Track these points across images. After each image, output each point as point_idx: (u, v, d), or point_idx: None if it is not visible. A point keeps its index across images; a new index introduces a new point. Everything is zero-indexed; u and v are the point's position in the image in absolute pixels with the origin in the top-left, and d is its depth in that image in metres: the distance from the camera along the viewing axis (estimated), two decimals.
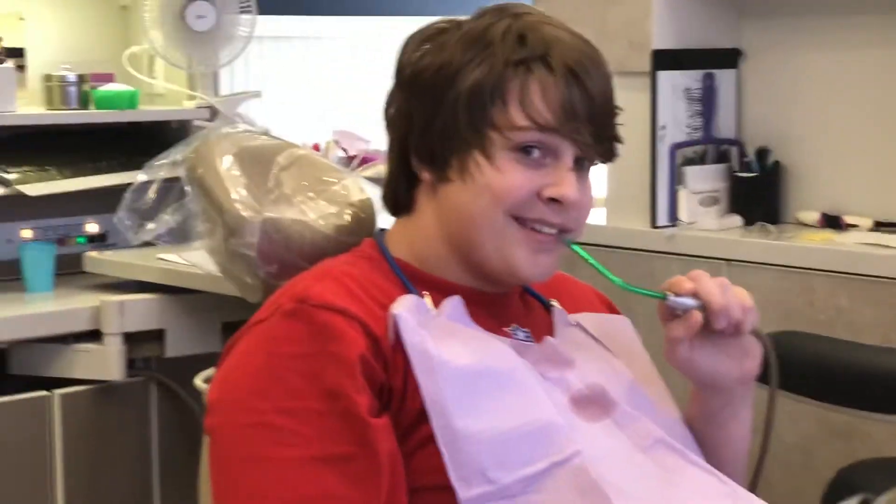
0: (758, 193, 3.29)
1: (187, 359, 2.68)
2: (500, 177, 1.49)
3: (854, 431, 2.85)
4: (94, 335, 2.66)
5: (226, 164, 1.88)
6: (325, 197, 1.87)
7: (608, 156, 1.56)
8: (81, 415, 2.66)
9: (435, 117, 1.52)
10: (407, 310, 1.48)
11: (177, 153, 2.15)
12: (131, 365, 2.69)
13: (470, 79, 1.50)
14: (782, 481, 2.95)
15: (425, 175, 1.56)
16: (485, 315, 1.55)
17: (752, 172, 3.30)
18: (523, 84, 1.49)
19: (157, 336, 2.69)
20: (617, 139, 1.56)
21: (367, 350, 1.43)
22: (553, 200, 1.51)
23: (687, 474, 1.51)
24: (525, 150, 1.50)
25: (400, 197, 1.60)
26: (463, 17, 1.57)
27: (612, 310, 1.76)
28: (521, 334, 1.58)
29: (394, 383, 1.44)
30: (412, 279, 1.55)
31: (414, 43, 1.57)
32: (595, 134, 1.51)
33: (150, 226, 2.22)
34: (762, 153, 3.31)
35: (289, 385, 1.41)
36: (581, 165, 1.54)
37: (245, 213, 1.83)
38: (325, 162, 1.97)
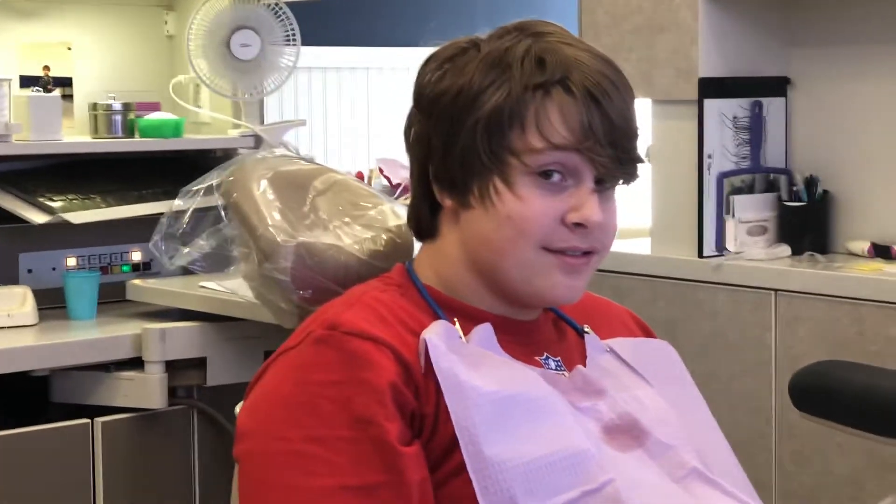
0: (806, 223, 3.26)
1: (229, 387, 2.67)
2: (520, 206, 1.47)
3: None
4: (136, 363, 2.66)
5: (261, 188, 1.87)
6: (360, 222, 1.86)
7: (630, 178, 1.52)
8: (123, 443, 2.65)
9: (455, 142, 1.49)
10: (437, 335, 1.46)
11: (213, 178, 2.14)
12: (173, 393, 2.68)
13: (489, 103, 1.47)
14: None
15: (447, 201, 1.53)
16: (515, 343, 1.53)
17: (801, 201, 3.26)
18: (541, 108, 1.46)
19: (198, 364, 2.69)
20: (638, 160, 1.52)
21: (397, 377, 1.41)
22: (578, 225, 1.48)
23: None
24: (544, 174, 1.47)
25: (423, 222, 1.58)
26: (483, 36, 1.53)
27: (648, 333, 1.72)
28: (552, 364, 1.56)
29: (425, 410, 1.42)
30: (441, 306, 1.53)
31: (434, 63, 1.54)
32: (615, 156, 1.48)
33: (185, 251, 2.22)
34: (811, 182, 3.27)
35: (318, 413, 1.39)
36: (603, 187, 1.50)
37: (279, 238, 1.81)
38: (361, 187, 1.95)
